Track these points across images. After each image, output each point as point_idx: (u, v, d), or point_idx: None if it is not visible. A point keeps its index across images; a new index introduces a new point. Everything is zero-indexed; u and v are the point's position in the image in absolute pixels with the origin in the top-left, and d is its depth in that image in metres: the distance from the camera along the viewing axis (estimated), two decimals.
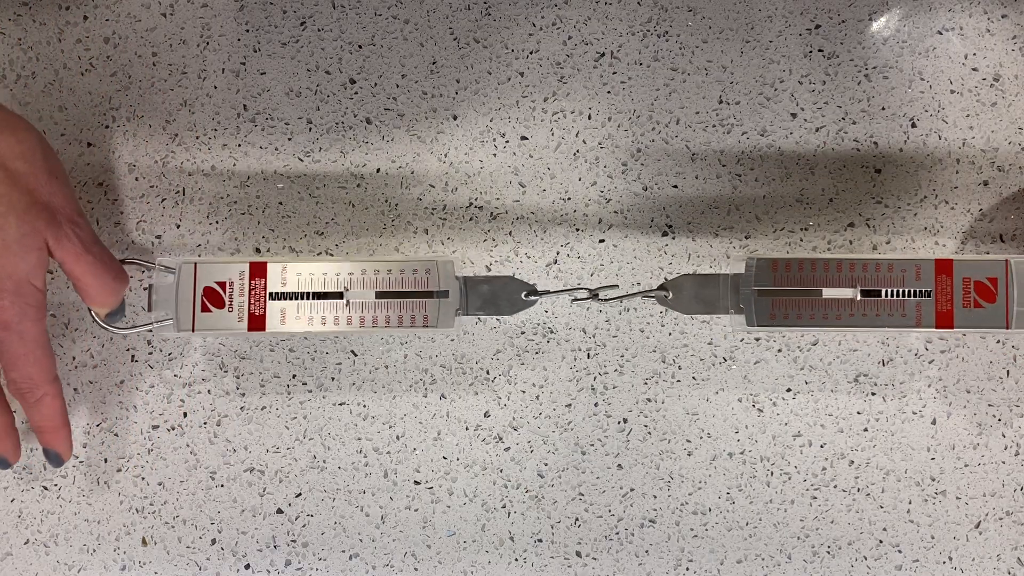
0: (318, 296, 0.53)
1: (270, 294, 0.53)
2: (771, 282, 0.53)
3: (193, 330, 0.53)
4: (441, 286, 0.53)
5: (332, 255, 0.58)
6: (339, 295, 0.53)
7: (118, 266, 0.54)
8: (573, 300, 0.58)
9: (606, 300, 0.56)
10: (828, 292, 0.52)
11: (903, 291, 0.53)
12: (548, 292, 0.55)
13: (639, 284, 0.58)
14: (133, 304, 0.58)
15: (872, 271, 0.53)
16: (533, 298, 0.54)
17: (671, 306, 0.54)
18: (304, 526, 0.58)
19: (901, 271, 0.53)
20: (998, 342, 0.58)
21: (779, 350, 0.58)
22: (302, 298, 0.53)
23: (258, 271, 0.53)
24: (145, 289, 0.58)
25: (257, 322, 0.53)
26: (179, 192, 0.59)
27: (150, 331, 0.57)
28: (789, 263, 0.53)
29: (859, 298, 0.52)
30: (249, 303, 0.53)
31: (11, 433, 0.54)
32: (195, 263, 0.53)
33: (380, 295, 0.53)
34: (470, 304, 0.54)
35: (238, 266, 0.53)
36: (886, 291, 0.53)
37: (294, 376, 0.58)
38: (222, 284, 0.53)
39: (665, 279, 0.57)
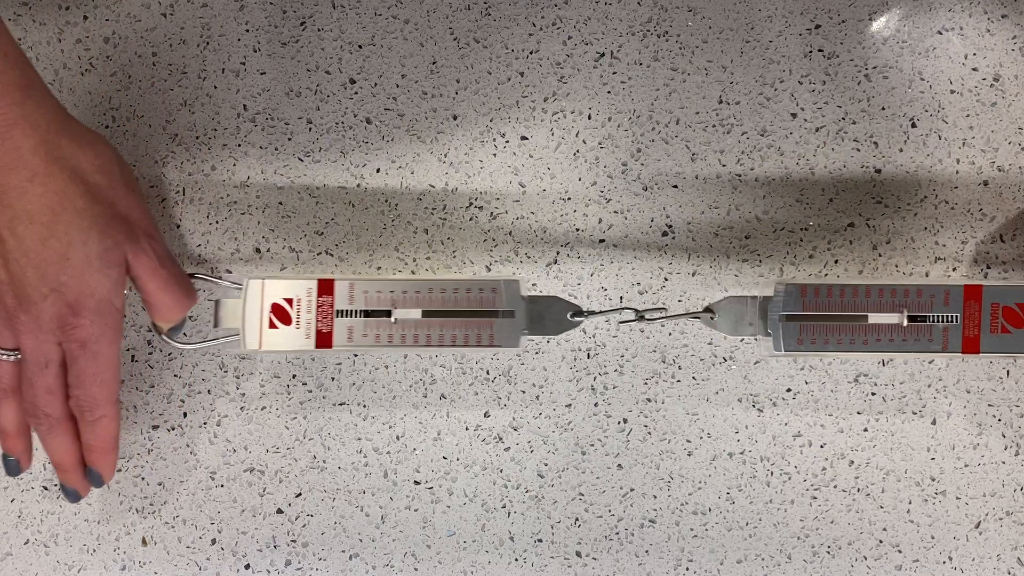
0: (368, 314, 0.53)
1: (337, 311, 0.53)
2: (800, 307, 0.53)
3: (260, 348, 0.53)
4: (507, 306, 0.53)
5: (332, 255, 0.58)
6: (387, 313, 0.53)
7: (188, 282, 0.54)
8: (620, 322, 0.58)
9: (652, 320, 0.55)
10: (871, 318, 0.53)
11: (931, 316, 0.53)
12: (594, 313, 0.54)
13: (638, 284, 0.58)
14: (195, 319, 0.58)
15: (901, 296, 0.53)
16: (579, 319, 0.54)
17: (717, 328, 0.54)
18: (304, 526, 0.58)
19: (930, 296, 0.53)
20: None
21: None
22: (368, 315, 0.53)
23: (325, 288, 0.53)
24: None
25: (324, 339, 0.53)
26: (179, 192, 0.59)
27: (215, 348, 0.57)
28: (818, 288, 0.53)
29: (905, 324, 0.52)
30: (316, 320, 0.53)
31: (80, 466, 0.54)
32: (263, 279, 0.53)
33: (443, 314, 0.53)
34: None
35: (305, 283, 0.53)
36: (917, 317, 0.53)
37: (294, 376, 0.58)
38: (289, 301, 0.53)
39: (659, 282, 0.57)
